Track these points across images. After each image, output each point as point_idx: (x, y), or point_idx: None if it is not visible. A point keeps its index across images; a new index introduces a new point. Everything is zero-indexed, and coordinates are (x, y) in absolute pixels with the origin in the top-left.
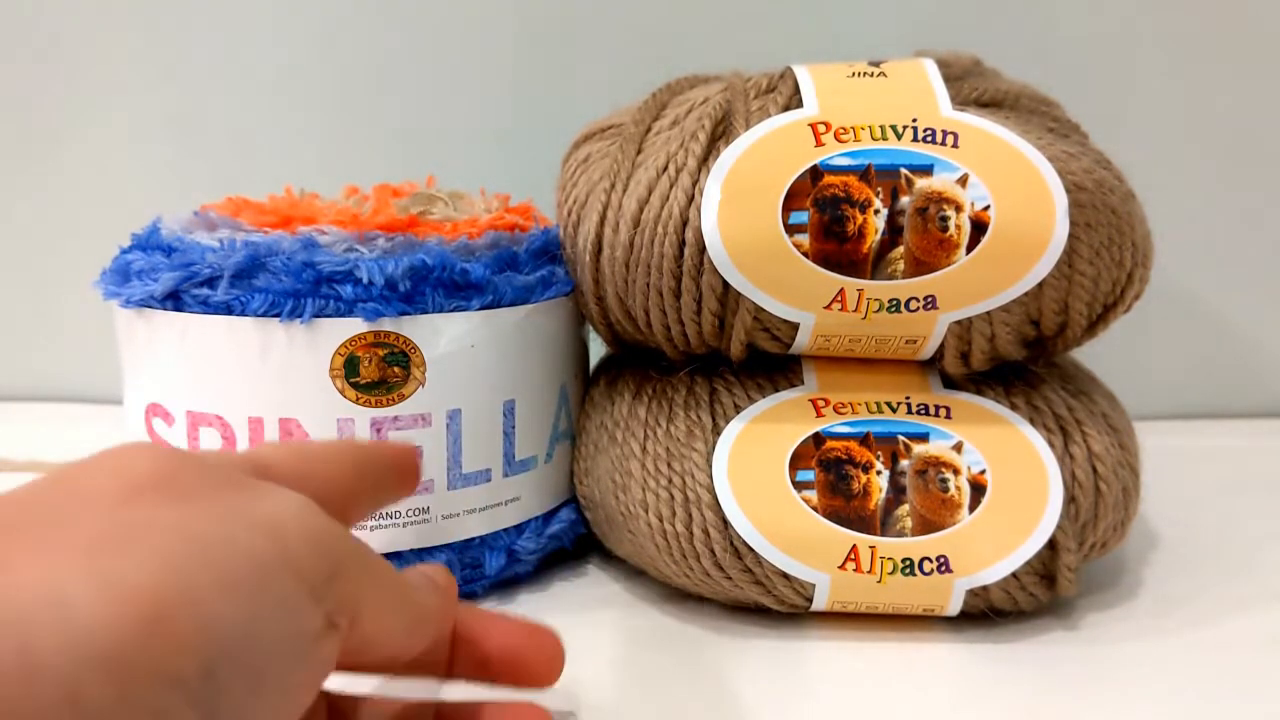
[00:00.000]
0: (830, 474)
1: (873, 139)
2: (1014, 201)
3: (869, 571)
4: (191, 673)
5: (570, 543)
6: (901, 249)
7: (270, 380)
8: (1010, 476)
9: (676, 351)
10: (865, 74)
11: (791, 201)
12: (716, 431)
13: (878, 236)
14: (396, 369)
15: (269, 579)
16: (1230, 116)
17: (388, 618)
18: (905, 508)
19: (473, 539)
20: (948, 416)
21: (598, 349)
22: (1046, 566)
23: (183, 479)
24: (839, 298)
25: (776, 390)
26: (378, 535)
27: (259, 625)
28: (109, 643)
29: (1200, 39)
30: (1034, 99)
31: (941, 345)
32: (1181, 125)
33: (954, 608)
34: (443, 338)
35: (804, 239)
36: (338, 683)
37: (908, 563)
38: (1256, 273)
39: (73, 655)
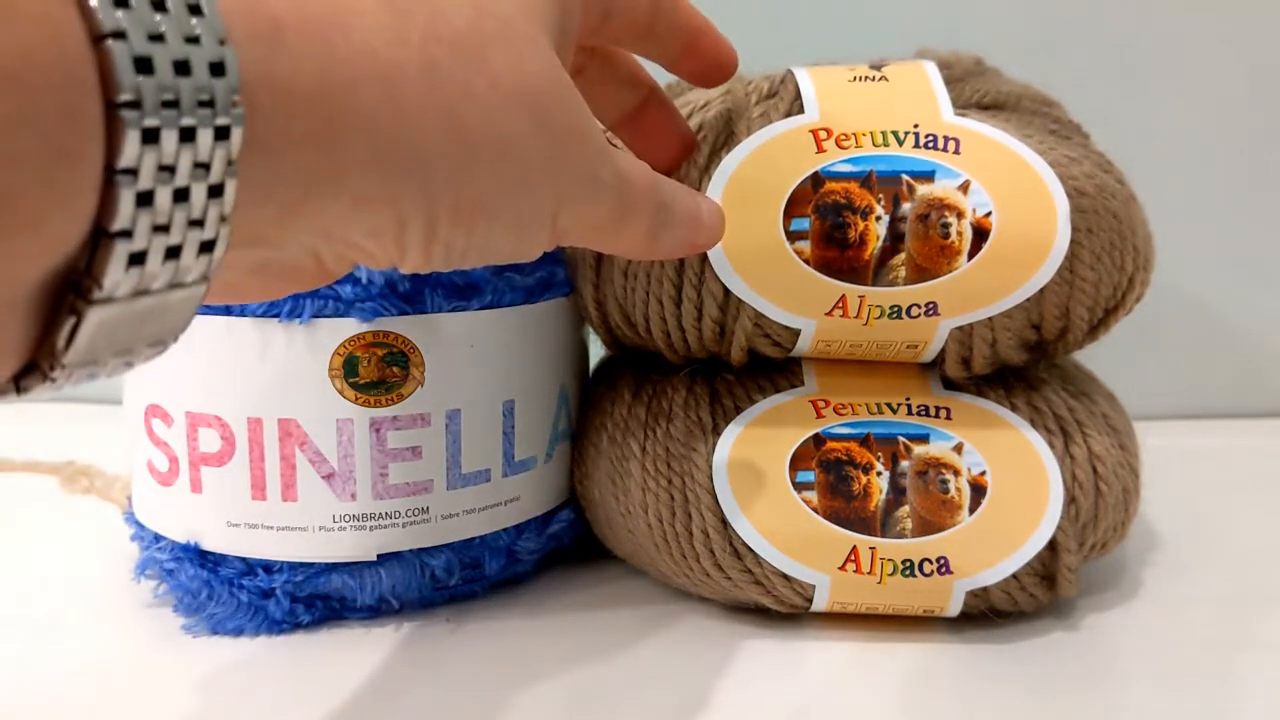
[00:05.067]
0: (830, 475)
1: (874, 145)
2: (1016, 207)
3: (869, 572)
4: None
5: (570, 543)
6: (903, 255)
7: (269, 380)
8: (1010, 478)
9: (677, 356)
10: (866, 78)
11: (793, 208)
12: (716, 432)
13: (879, 243)
14: (396, 369)
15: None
16: (1231, 116)
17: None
18: (905, 509)
19: (473, 539)
20: (948, 418)
21: (598, 349)
22: (1046, 567)
23: (550, 104)
24: (840, 304)
25: (777, 391)
26: (377, 535)
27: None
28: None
29: (1201, 38)
30: (1035, 100)
31: (943, 350)
32: (1182, 125)
33: (954, 609)
34: (442, 338)
35: (805, 245)
36: None
37: (908, 564)
38: (1257, 273)
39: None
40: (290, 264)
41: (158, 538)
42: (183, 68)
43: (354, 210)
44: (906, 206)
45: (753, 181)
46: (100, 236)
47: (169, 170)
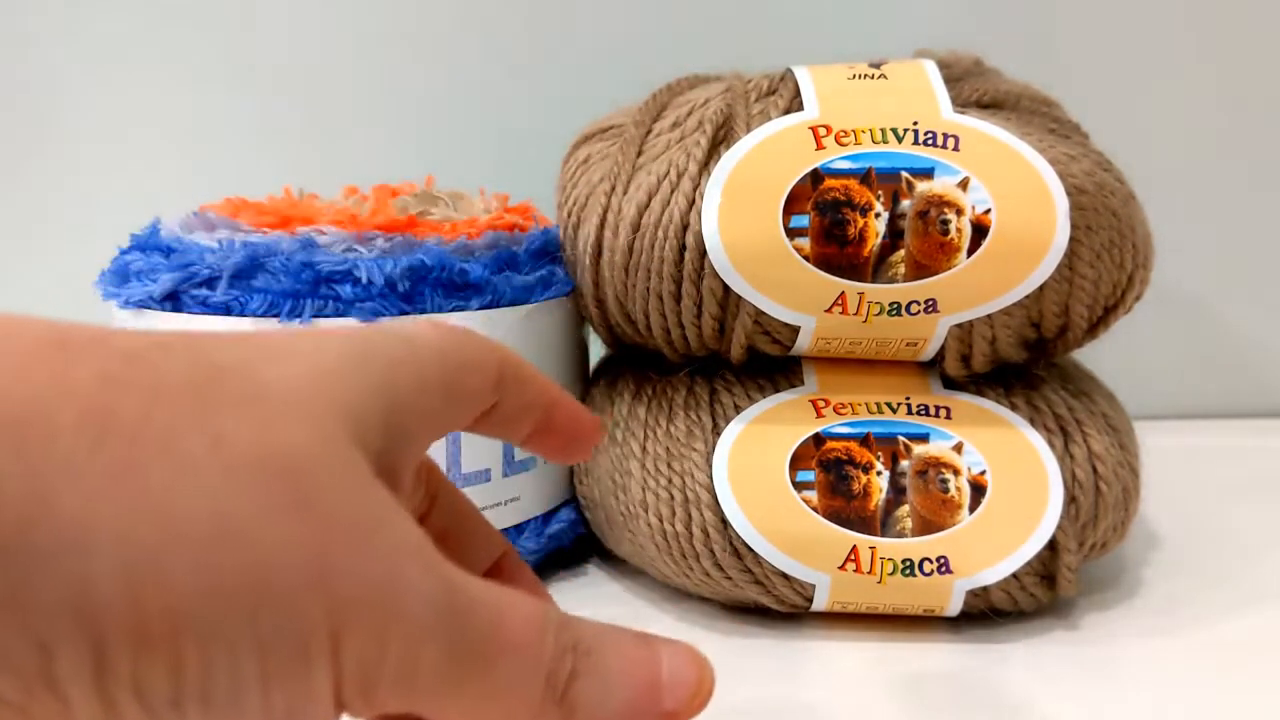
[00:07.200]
0: (830, 474)
1: (873, 142)
2: (1015, 205)
3: (869, 572)
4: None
5: (570, 543)
6: (902, 252)
7: None
8: (1010, 477)
9: (676, 354)
10: (866, 76)
11: (792, 205)
12: (716, 432)
13: (878, 240)
14: None
15: None
16: (1231, 116)
17: None
18: (905, 508)
19: None
20: (948, 417)
21: (598, 349)
22: (1047, 567)
23: (313, 483)
24: (839, 301)
25: (777, 391)
26: None
27: None
28: None
29: (1200, 38)
30: (1035, 99)
31: (942, 347)
32: (1182, 125)
33: (954, 608)
34: None
35: (805, 242)
36: None
37: (908, 563)
38: (1257, 273)
39: None
40: None
41: None
42: None
43: None
44: (906, 203)
45: (752, 178)
46: None
47: None
